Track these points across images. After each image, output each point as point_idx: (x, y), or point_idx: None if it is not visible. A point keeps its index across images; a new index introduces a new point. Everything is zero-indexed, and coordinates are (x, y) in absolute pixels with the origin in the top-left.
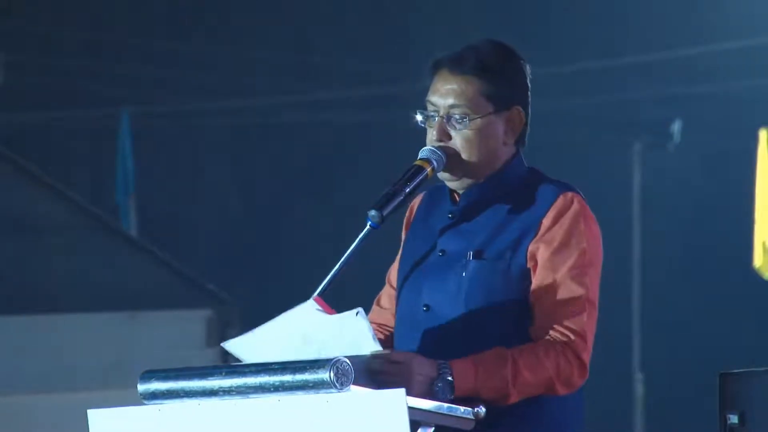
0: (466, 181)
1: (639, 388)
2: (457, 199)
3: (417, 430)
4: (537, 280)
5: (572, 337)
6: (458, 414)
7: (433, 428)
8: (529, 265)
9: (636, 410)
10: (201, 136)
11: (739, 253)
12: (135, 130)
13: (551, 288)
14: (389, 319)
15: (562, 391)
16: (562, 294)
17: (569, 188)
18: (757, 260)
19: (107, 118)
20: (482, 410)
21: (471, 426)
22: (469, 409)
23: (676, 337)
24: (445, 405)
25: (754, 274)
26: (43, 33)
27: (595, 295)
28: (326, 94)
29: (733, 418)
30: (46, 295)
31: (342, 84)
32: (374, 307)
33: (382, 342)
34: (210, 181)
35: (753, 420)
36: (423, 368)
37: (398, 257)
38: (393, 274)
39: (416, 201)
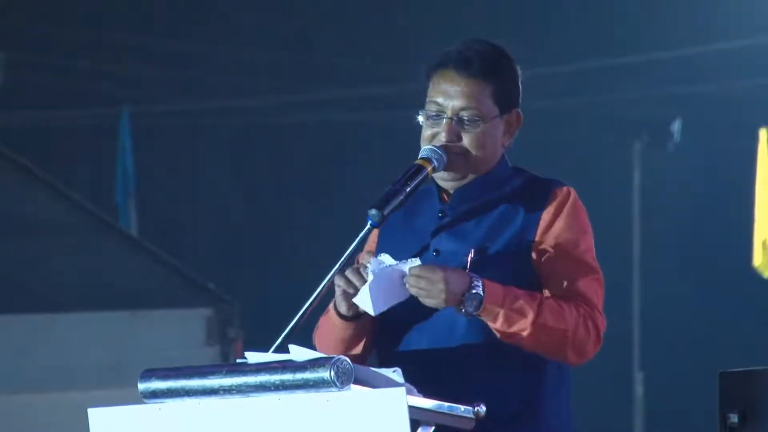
0: (465, 180)
1: (639, 388)
2: (446, 198)
3: (417, 429)
4: (549, 268)
5: (590, 309)
6: (458, 413)
7: (433, 427)
8: (534, 259)
9: (636, 410)
10: (201, 136)
11: (739, 253)
12: (135, 130)
13: (566, 273)
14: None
15: (573, 357)
16: (577, 275)
17: (561, 183)
18: (757, 259)
19: (107, 118)
20: (482, 409)
21: (471, 425)
22: (470, 408)
23: (676, 337)
24: (446, 404)
25: (754, 274)
26: (43, 33)
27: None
28: (326, 94)
29: (733, 418)
30: (46, 295)
31: (342, 84)
32: None
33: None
34: (210, 181)
35: (753, 420)
36: (455, 279)
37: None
38: None
39: None
